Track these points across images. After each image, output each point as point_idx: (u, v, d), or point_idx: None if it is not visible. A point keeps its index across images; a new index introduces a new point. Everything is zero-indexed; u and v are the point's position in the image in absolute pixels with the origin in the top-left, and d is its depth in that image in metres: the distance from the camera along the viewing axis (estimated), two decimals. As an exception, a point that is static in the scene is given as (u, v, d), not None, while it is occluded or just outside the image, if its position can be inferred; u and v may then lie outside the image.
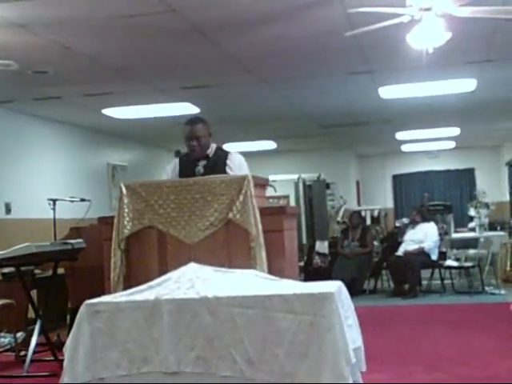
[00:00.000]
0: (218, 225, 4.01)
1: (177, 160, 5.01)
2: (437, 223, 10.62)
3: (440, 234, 10.25)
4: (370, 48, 6.77)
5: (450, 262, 9.80)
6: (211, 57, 6.87)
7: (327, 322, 3.14)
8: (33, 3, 5.06)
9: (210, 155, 4.86)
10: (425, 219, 10.04)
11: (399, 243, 10.10)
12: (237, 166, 4.79)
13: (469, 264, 9.68)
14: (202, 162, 4.80)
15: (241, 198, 3.96)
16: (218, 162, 4.81)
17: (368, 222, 14.47)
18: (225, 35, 6.17)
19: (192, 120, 4.90)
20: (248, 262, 3.88)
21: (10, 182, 8.67)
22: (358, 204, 16.90)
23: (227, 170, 4.73)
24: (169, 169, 4.95)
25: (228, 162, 4.80)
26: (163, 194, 4.10)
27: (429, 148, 16.29)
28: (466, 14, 4.96)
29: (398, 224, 12.98)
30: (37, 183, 9.17)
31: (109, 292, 3.97)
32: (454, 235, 11.62)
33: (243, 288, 3.41)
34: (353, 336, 3.34)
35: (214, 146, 4.92)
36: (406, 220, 11.51)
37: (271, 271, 3.87)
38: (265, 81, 8.20)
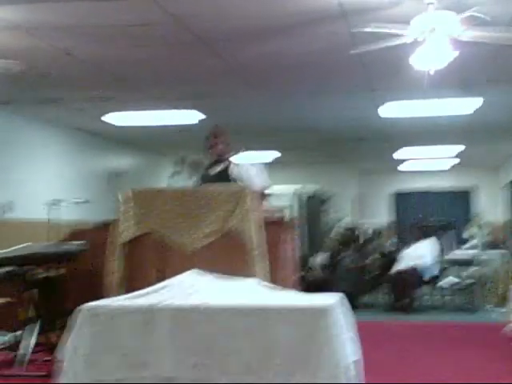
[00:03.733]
0: (217, 234, 4.05)
1: None
2: (439, 239, 10.58)
3: (442, 250, 10.25)
4: (372, 66, 6.78)
5: (450, 280, 9.82)
6: (214, 68, 6.85)
7: (326, 334, 3.13)
8: (37, 7, 5.06)
9: (225, 162, 5.33)
10: (420, 238, 10.07)
11: (396, 259, 10.13)
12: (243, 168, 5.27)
13: (468, 282, 9.67)
14: (219, 166, 5.30)
15: (240, 208, 4.01)
16: (228, 167, 5.26)
17: (365, 237, 14.47)
18: (228, 47, 6.17)
19: (216, 125, 5.51)
20: (246, 272, 3.90)
21: (8, 184, 8.65)
22: (357, 219, 16.89)
23: (231, 169, 5.22)
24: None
25: (232, 165, 5.27)
26: (164, 201, 4.15)
27: (427, 168, 16.32)
28: (468, 38, 5.00)
29: (389, 243, 13.07)
30: (36, 185, 9.13)
31: (107, 295, 3.96)
32: (456, 252, 11.55)
33: (244, 297, 3.40)
34: (353, 348, 3.32)
35: (230, 159, 5.39)
36: (395, 239, 11.52)
37: (270, 281, 3.88)
38: (266, 93, 8.20)
